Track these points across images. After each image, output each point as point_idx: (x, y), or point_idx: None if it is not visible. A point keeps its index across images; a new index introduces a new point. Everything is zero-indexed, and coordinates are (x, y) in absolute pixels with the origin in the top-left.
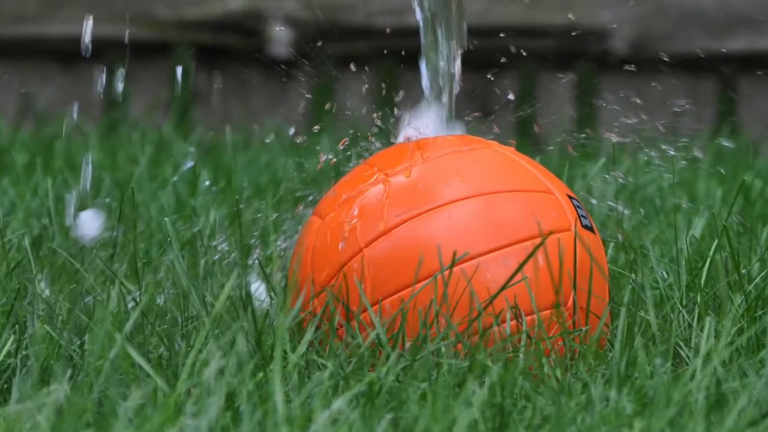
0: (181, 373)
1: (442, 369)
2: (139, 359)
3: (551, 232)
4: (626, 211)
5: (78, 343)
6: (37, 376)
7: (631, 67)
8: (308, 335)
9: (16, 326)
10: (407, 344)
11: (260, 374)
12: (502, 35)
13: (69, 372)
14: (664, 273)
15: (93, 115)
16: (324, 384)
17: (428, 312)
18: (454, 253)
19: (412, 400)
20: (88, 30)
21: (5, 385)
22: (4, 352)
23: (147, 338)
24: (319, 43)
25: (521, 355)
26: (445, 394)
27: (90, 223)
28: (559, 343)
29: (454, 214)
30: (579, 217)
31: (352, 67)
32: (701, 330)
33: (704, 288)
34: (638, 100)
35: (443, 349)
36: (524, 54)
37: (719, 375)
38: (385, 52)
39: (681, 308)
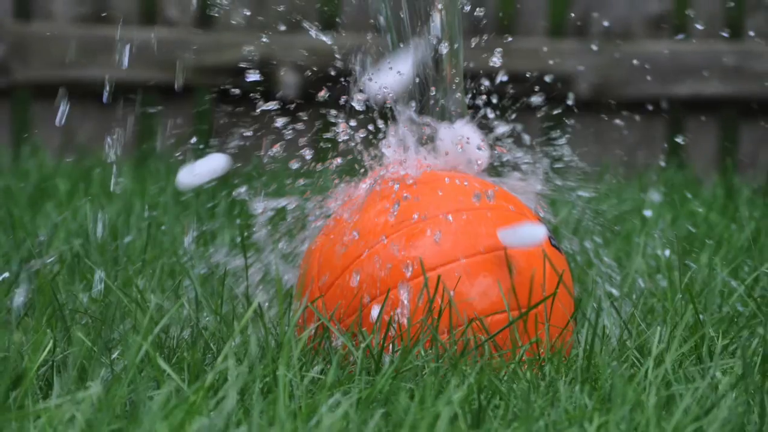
0: (202, 375)
1: (427, 371)
2: (164, 365)
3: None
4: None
5: (112, 350)
6: (76, 374)
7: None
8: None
9: (58, 331)
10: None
11: (267, 378)
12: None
13: (103, 372)
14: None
15: (126, 148)
16: (325, 386)
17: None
18: (414, 261)
19: (401, 398)
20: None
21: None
22: (45, 352)
23: (171, 343)
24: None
25: (497, 357)
26: (430, 394)
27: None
28: (530, 349)
29: (434, 228)
30: (548, 237)
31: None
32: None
33: (655, 300)
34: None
35: (427, 360)
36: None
37: (669, 377)
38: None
39: (639, 319)
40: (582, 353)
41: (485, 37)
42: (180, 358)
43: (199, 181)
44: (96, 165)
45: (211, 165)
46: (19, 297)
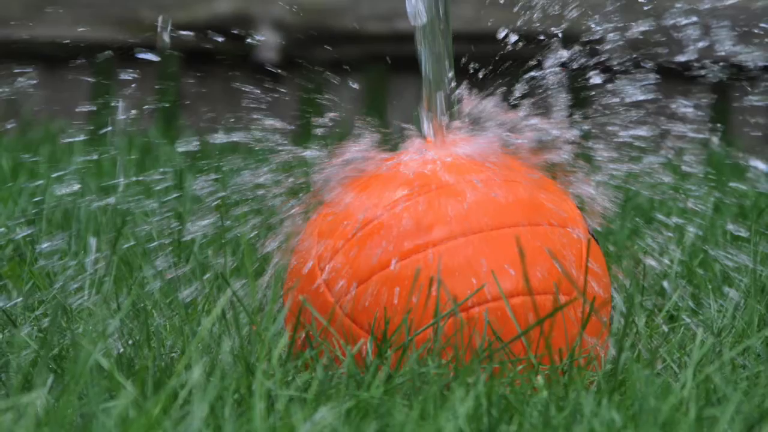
0: (166, 384)
1: (427, 378)
2: (121, 378)
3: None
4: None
5: (60, 352)
6: (18, 382)
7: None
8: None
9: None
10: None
11: (243, 389)
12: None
13: (50, 380)
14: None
15: (78, 119)
16: (309, 397)
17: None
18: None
19: (397, 410)
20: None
21: None
22: None
23: (128, 348)
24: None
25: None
26: (431, 405)
27: None
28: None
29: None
30: (587, 225)
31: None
32: (693, 342)
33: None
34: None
35: (430, 364)
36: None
37: (709, 387)
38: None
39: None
40: (610, 362)
41: None
42: (140, 367)
43: None
44: (45, 139)
45: None
46: None
